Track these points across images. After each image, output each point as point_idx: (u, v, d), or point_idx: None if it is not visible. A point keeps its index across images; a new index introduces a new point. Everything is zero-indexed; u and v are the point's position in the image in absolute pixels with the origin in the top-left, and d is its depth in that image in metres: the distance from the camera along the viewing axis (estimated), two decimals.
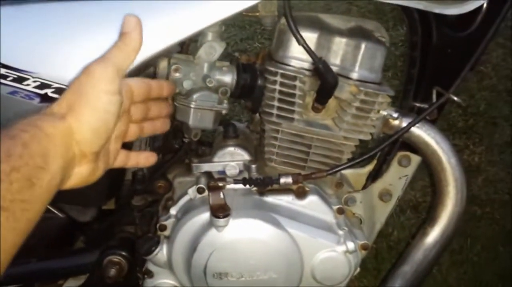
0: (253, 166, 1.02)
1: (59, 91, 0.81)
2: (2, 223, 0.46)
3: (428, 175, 2.05)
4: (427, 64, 1.05)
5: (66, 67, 0.82)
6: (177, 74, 0.93)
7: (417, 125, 1.01)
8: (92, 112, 0.58)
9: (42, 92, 0.81)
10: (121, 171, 1.02)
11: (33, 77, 0.80)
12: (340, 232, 0.98)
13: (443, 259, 1.80)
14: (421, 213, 2.02)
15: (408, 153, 1.10)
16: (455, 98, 0.98)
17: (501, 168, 2.24)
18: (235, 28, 2.79)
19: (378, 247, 1.82)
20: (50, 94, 0.82)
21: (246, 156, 1.04)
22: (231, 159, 1.03)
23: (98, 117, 0.59)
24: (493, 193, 2.15)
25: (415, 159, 1.10)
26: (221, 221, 0.90)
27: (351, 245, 0.96)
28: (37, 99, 0.82)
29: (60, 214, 1.03)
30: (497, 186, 2.18)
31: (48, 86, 0.81)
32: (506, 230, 1.99)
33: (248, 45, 2.75)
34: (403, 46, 2.59)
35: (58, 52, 0.83)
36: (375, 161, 1.15)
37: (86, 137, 0.58)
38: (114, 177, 0.97)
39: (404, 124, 1.01)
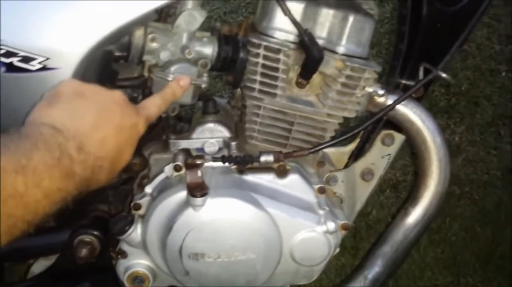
0: (233, 143, 0.98)
1: (26, 60, 0.76)
2: None
3: (410, 155, 2.05)
4: (415, 39, 1.02)
5: (35, 34, 0.76)
6: (154, 44, 0.87)
7: (402, 102, 0.99)
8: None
9: (7, 60, 0.75)
10: None
11: None
12: (321, 212, 0.95)
13: (421, 238, 1.80)
14: (401, 192, 2.02)
15: (392, 131, 1.08)
16: (444, 75, 0.95)
17: (481, 148, 2.24)
18: (218, 1, 2.71)
19: (357, 226, 1.81)
20: (16, 63, 0.76)
21: (226, 133, 1.00)
22: (210, 135, 0.99)
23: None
24: (472, 173, 2.15)
25: (399, 138, 1.08)
26: (198, 200, 0.86)
27: (331, 225, 0.93)
28: (3, 69, 0.76)
29: None
30: (476, 166, 2.19)
31: (14, 54, 0.75)
32: (484, 210, 2.00)
33: (232, 19, 2.68)
34: (388, 23, 2.55)
35: (26, 17, 0.77)
36: (357, 140, 1.13)
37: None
38: None
39: (389, 102, 0.98)
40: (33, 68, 0.76)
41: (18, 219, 0.52)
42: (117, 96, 0.70)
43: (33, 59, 0.76)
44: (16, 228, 0.52)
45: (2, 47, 0.75)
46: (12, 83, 0.77)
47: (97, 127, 0.64)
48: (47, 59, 0.76)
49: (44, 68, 0.76)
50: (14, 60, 0.75)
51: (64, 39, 0.77)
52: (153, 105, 0.77)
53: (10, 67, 0.76)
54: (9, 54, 0.75)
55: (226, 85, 2.20)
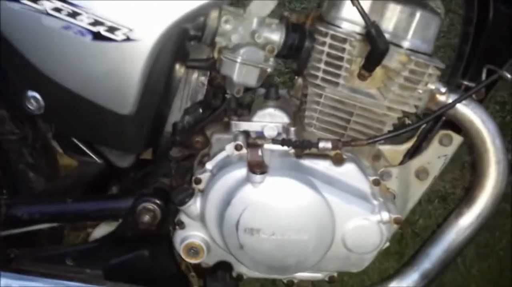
0: (292, 129, 1.01)
1: (112, 29, 0.81)
2: None
3: (460, 169, 2.01)
4: (480, 41, 1.03)
5: (121, 5, 0.82)
6: (227, 26, 0.92)
7: (463, 102, 0.99)
8: None
9: (95, 29, 0.81)
10: (162, 121, 1.02)
11: (87, 13, 0.80)
12: (375, 202, 0.96)
13: (467, 251, 1.77)
14: (449, 204, 1.99)
15: (450, 132, 1.07)
16: (509, 75, 0.95)
17: None
18: None
19: (403, 232, 1.80)
20: (103, 33, 0.81)
21: (285, 119, 1.03)
22: (270, 120, 1.02)
23: None
24: None
25: (457, 139, 1.08)
26: (258, 177, 0.89)
27: (385, 215, 0.94)
28: (89, 37, 0.82)
29: (98, 160, 1.04)
30: None
31: (101, 23, 0.81)
32: None
33: None
34: (444, 38, 2.52)
35: None
36: (414, 139, 1.13)
37: None
38: (155, 124, 0.97)
39: (450, 101, 0.99)
40: (118, 38, 0.81)
41: None
42: None
43: (117, 29, 0.81)
44: None
45: (90, 16, 0.81)
46: (100, 51, 0.82)
47: None
48: (131, 30, 0.81)
49: (127, 39, 0.82)
50: (101, 29, 0.81)
51: (147, 12, 0.82)
52: None
53: (97, 36, 0.81)
54: (96, 23, 0.81)
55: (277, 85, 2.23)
